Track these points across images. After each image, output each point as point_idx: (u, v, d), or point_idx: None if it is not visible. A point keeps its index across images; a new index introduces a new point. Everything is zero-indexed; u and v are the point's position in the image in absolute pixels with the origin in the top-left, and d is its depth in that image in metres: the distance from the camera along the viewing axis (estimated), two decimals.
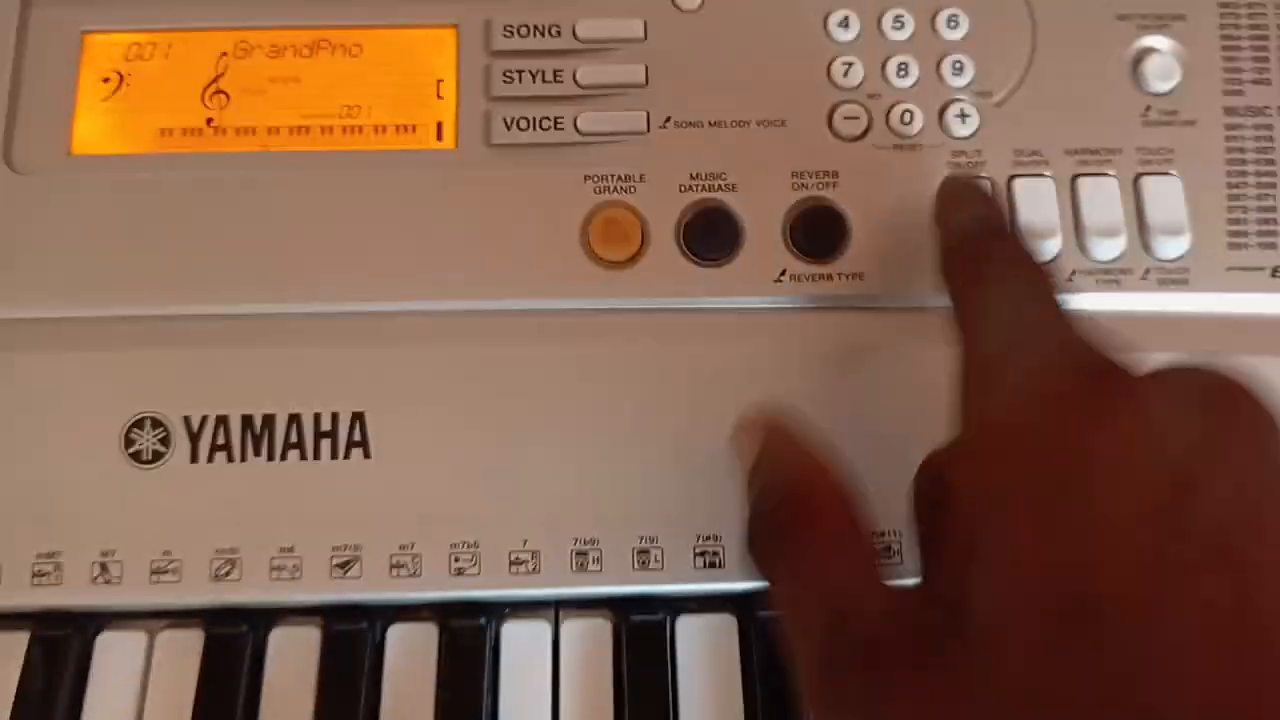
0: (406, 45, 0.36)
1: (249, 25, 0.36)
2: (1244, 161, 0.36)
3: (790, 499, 0.27)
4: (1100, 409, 0.23)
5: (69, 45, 0.36)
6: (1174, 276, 0.35)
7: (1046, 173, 0.35)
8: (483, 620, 0.33)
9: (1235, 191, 0.36)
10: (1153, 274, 0.35)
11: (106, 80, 0.35)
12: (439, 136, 0.35)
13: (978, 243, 0.29)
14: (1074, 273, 0.35)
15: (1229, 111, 0.36)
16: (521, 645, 0.33)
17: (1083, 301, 0.34)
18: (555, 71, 0.35)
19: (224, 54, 0.36)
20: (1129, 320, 0.35)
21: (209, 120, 0.35)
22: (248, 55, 0.36)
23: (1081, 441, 0.23)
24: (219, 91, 0.35)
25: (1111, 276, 0.35)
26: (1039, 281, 0.27)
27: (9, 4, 0.36)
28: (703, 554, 0.33)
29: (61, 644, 0.32)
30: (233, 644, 0.33)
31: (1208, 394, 0.23)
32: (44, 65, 0.35)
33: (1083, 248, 0.35)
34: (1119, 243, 0.35)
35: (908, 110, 0.35)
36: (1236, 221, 0.35)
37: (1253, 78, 0.36)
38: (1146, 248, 0.35)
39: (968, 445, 0.26)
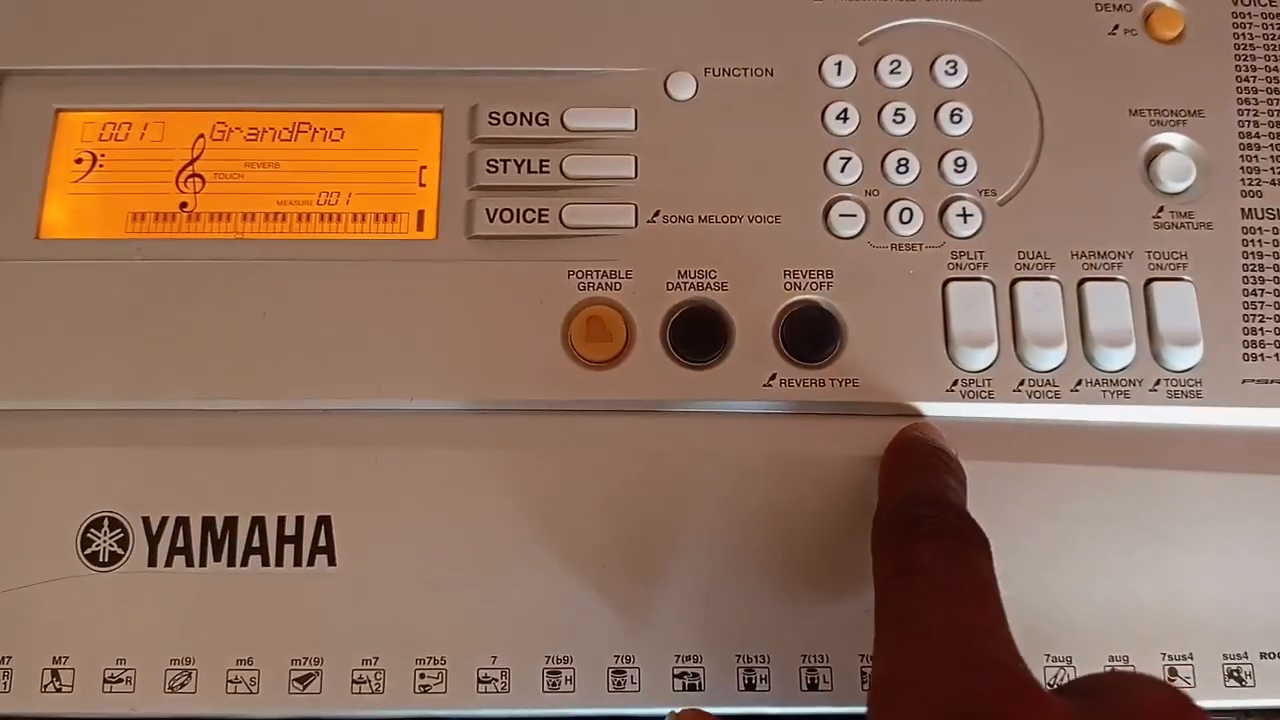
0: (390, 130, 0.35)
1: (228, 106, 0.35)
2: (1261, 268, 0.34)
3: None
4: None
5: (42, 123, 0.35)
6: (1186, 389, 0.33)
7: (1052, 276, 0.34)
8: None
9: (1251, 299, 0.34)
10: (1163, 385, 0.33)
11: (79, 161, 0.34)
12: (420, 226, 0.34)
13: (905, 526, 0.27)
14: (1080, 383, 0.33)
15: (1246, 214, 0.35)
16: None
17: (1089, 414, 0.33)
18: (541, 161, 0.34)
19: (201, 135, 0.35)
20: (1138, 434, 0.33)
21: (183, 205, 0.34)
22: (225, 137, 0.35)
23: None
24: (195, 175, 0.34)
25: (1120, 388, 0.33)
26: (959, 584, 0.25)
27: None
28: (681, 675, 0.31)
29: None
30: None
31: None
32: (15, 143, 0.34)
33: (1089, 357, 0.33)
34: (1128, 352, 0.33)
35: (907, 208, 0.34)
36: (1252, 331, 0.34)
37: (1271, 178, 0.35)
38: (1157, 357, 0.33)
39: None
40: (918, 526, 0.27)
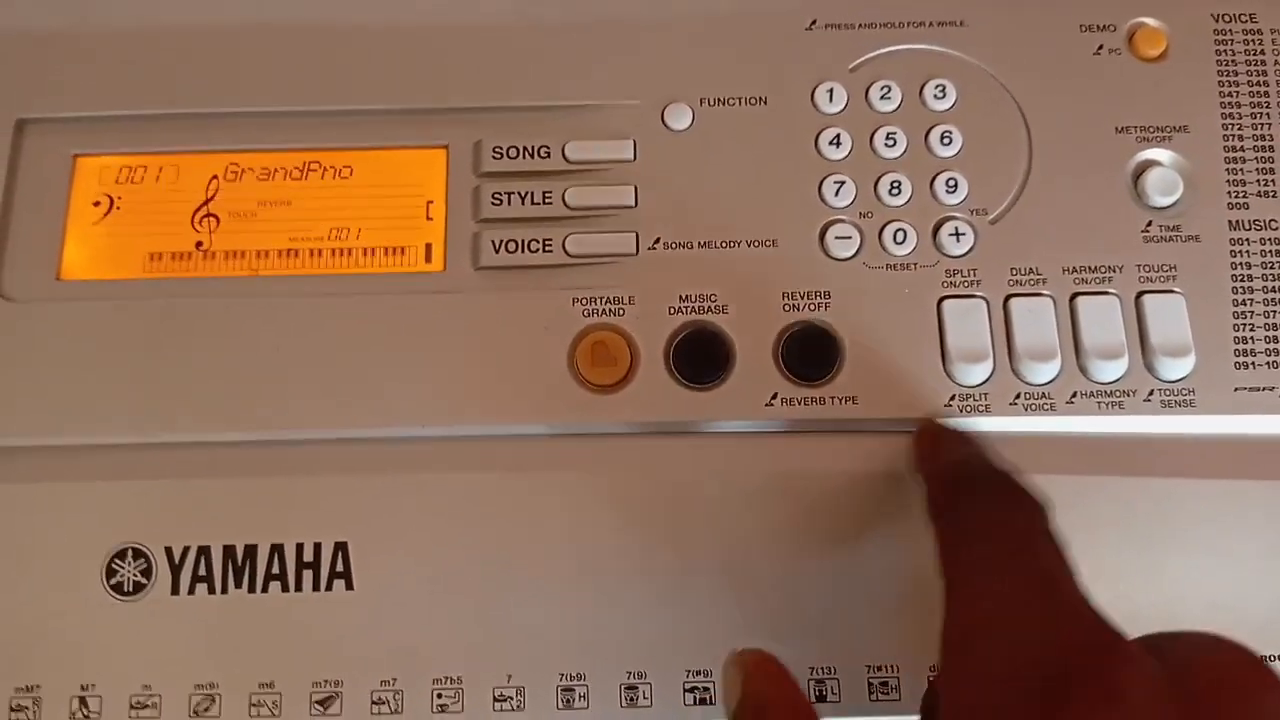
0: (397, 166, 0.36)
1: (240, 148, 0.36)
2: (1250, 278, 0.35)
3: None
4: (1086, 701, 0.21)
5: (60, 168, 0.36)
6: (1179, 398, 0.34)
7: (1044, 292, 0.34)
8: None
9: (1240, 309, 0.35)
10: (1156, 395, 0.34)
11: (97, 204, 0.36)
12: (428, 258, 0.35)
13: (960, 493, 0.28)
14: (1075, 395, 0.34)
15: (1234, 226, 0.35)
16: None
17: (1084, 425, 0.34)
18: (544, 193, 0.35)
19: (215, 177, 0.36)
20: (1133, 444, 0.34)
21: (198, 244, 0.35)
22: (238, 178, 0.36)
23: None
24: (209, 215, 0.35)
25: (1114, 399, 0.34)
26: (1028, 538, 0.26)
27: (3, 126, 0.36)
28: (693, 690, 0.32)
29: None
30: None
31: (1220, 684, 0.21)
32: (35, 189, 0.36)
33: (1083, 369, 0.34)
34: (1121, 364, 0.34)
35: (901, 229, 0.35)
36: (1242, 340, 0.34)
37: (1257, 190, 0.36)
38: (1150, 368, 0.34)
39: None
40: (976, 490, 0.27)
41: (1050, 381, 0.34)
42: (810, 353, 0.34)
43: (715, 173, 0.35)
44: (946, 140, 0.36)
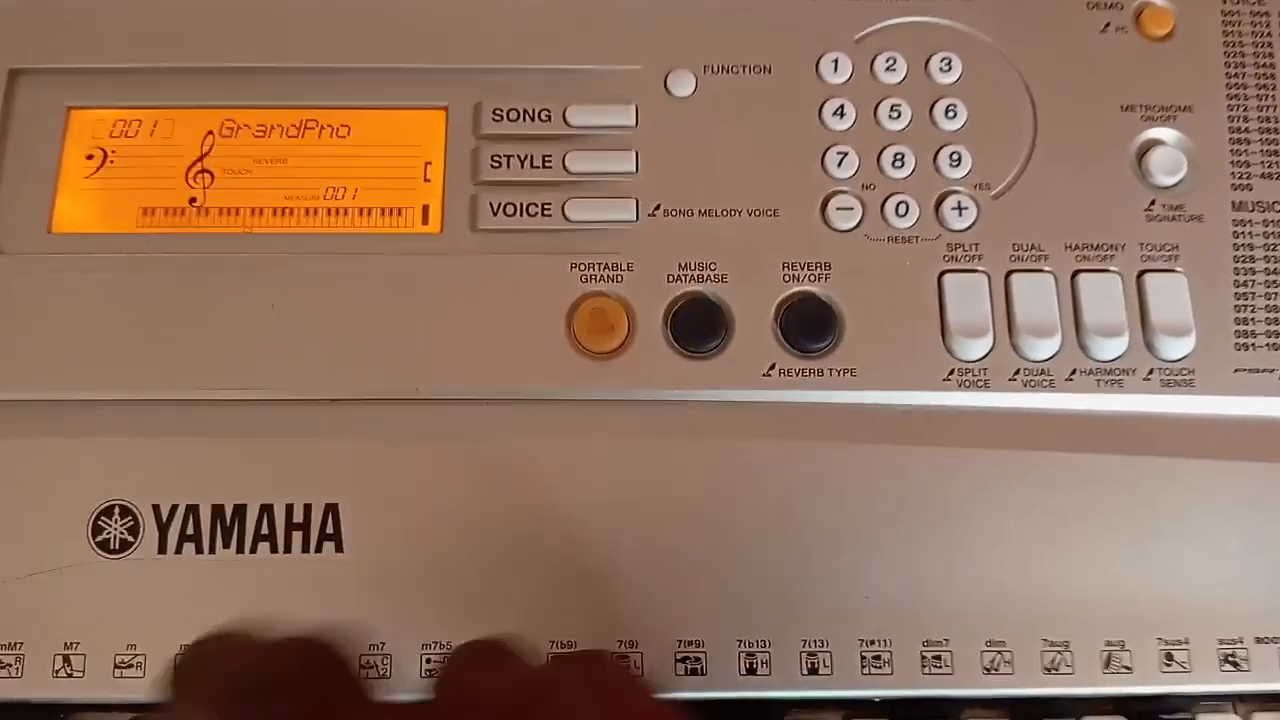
0: (395, 127, 0.35)
1: (236, 104, 0.35)
2: (1252, 259, 0.35)
3: None
4: None
5: (54, 120, 0.35)
6: (1178, 378, 0.34)
7: (1046, 268, 0.34)
8: None
9: (1242, 290, 0.34)
10: (1156, 375, 0.34)
11: (90, 157, 0.35)
12: (425, 220, 0.35)
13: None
14: (1074, 372, 0.34)
15: (1237, 207, 0.35)
16: None
17: (1083, 402, 0.34)
18: (544, 157, 0.35)
19: (210, 133, 0.35)
20: (1131, 422, 0.34)
21: (192, 200, 0.35)
22: (234, 134, 0.35)
23: None
24: (204, 170, 0.35)
25: (1113, 377, 0.34)
26: None
27: None
28: (684, 659, 0.32)
29: None
30: None
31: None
32: (28, 140, 0.35)
33: (1083, 346, 0.34)
34: (1121, 342, 0.34)
35: (903, 201, 0.35)
36: (1243, 321, 0.34)
37: (1261, 171, 0.35)
38: (1150, 347, 0.34)
39: None
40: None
41: (1050, 358, 0.34)
42: (809, 324, 0.34)
43: (717, 141, 0.35)
44: (951, 114, 0.35)
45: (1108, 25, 0.36)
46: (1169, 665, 0.32)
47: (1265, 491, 0.33)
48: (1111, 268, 0.34)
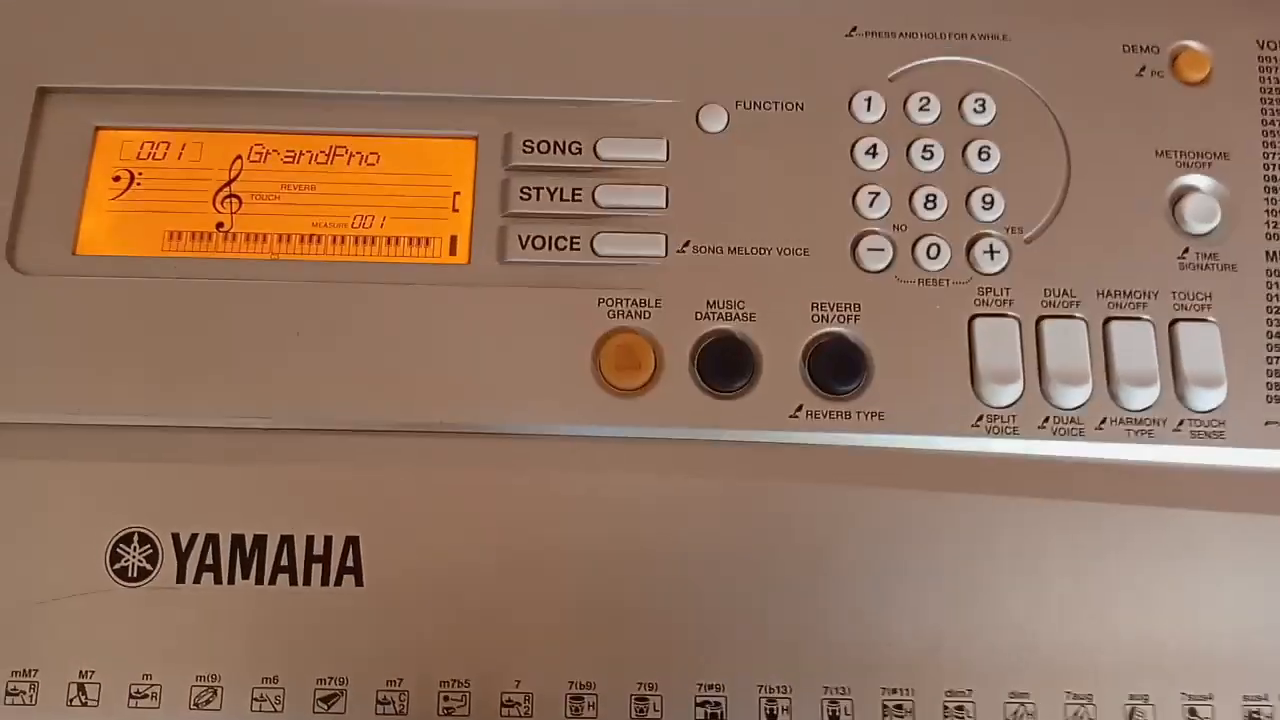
0: (425, 155, 0.35)
1: (266, 129, 0.35)
2: None
3: None
4: None
5: (81, 140, 0.35)
6: (1209, 429, 0.33)
7: (1078, 314, 0.34)
8: None
9: (1275, 341, 0.34)
10: (1186, 425, 0.33)
11: (117, 178, 0.35)
12: (452, 251, 0.34)
13: None
14: (1104, 421, 0.33)
15: (1271, 256, 0.35)
16: None
17: (1113, 452, 0.33)
18: (574, 190, 0.35)
19: (239, 157, 0.35)
20: (1161, 473, 0.33)
21: (219, 225, 0.35)
22: (263, 159, 0.35)
23: None
24: (231, 195, 0.35)
25: (1143, 427, 0.33)
26: None
27: (25, 95, 0.35)
28: (704, 704, 0.31)
29: None
30: None
31: None
32: (55, 160, 0.35)
33: (1114, 395, 0.33)
34: (1152, 392, 0.33)
35: (935, 244, 0.34)
36: (1276, 374, 0.34)
37: None
38: (1181, 398, 0.34)
39: None
40: None
41: (1080, 406, 0.33)
42: (838, 365, 0.33)
43: (748, 177, 0.35)
44: (984, 155, 0.35)
45: (1144, 69, 0.36)
46: None
47: None
48: (1144, 316, 0.34)
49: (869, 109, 0.35)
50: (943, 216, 0.35)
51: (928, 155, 0.35)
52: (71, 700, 0.31)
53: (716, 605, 0.32)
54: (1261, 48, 0.36)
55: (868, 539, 0.32)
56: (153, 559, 0.32)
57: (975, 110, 0.36)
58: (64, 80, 0.35)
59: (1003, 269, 0.34)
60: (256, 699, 0.31)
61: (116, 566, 0.32)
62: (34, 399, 0.33)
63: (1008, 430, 0.33)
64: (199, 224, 0.35)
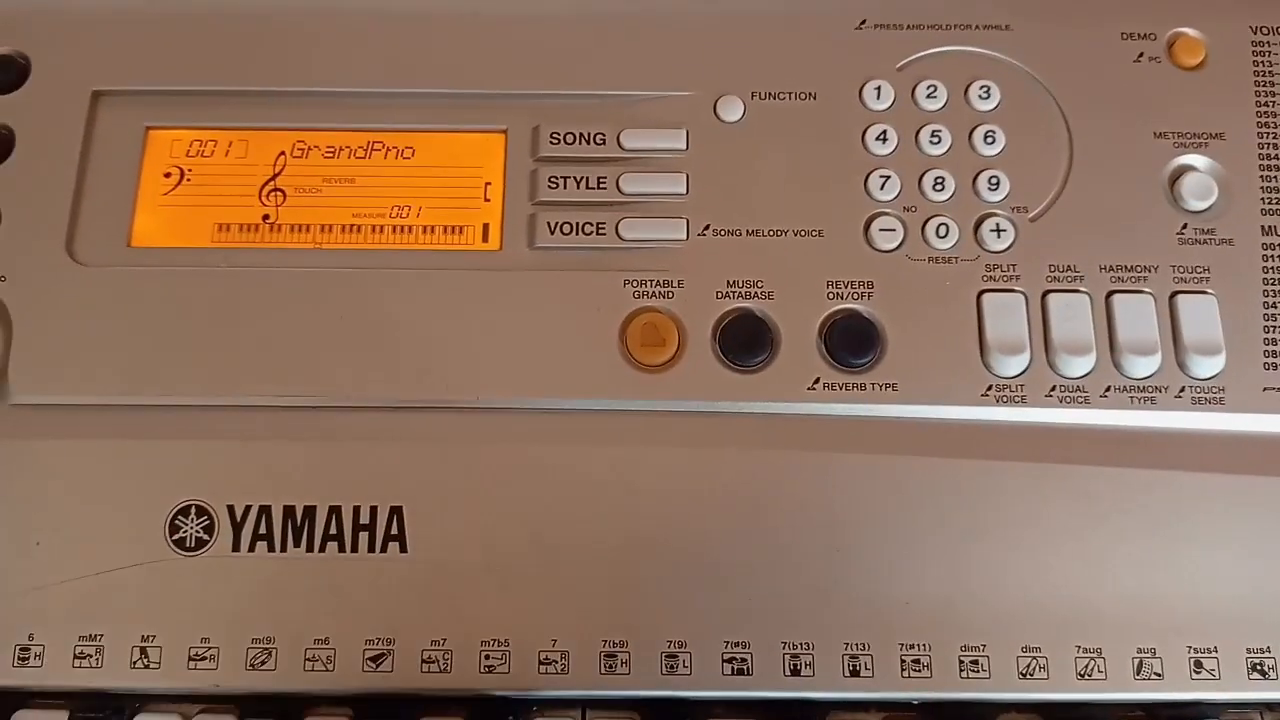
0: (457, 149, 0.37)
1: (307, 126, 0.37)
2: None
3: None
4: None
5: (133, 140, 0.37)
6: (1209, 395, 0.35)
7: (1081, 289, 0.36)
8: (510, 718, 0.33)
9: (1271, 311, 0.36)
10: (1187, 393, 0.35)
11: (168, 175, 0.37)
12: (485, 238, 0.36)
13: None
14: (1108, 389, 0.35)
15: (1267, 231, 0.36)
16: None
17: (1117, 418, 0.35)
18: (599, 178, 0.36)
19: (282, 153, 0.37)
20: (1163, 439, 0.35)
21: (265, 217, 0.36)
22: (305, 155, 0.37)
23: None
24: (276, 189, 0.37)
25: (1146, 394, 0.35)
26: None
27: (80, 98, 0.37)
28: (730, 660, 0.33)
29: None
30: None
31: None
32: (109, 159, 0.37)
33: (1117, 364, 0.35)
34: (1154, 360, 0.35)
35: (943, 224, 0.36)
36: (1272, 341, 0.35)
37: None
38: (1181, 366, 0.35)
39: None
40: None
41: (1085, 375, 0.35)
42: (853, 340, 0.35)
43: (764, 163, 0.36)
44: (990, 139, 0.37)
45: (1141, 55, 0.38)
46: (1198, 672, 0.33)
47: None
48: (1145, 289, 0.36)
49: (879, 97, 0.37)
50: (951, 198, 0.36)
51: (935, 140, 0.37)
52: (135, 663, 0.33)
53: (741, 567, 0.34)
54: (1255, 33, 0.38)
55: (883, 504, 0.34)
56: (209, 530, 0.34)
57: (980, 97, 0.37)
58: (116, 83, 0.37)
59: (1009, 246, 0.36)
60: (309, 659, 0.33)
61: (175, 538, 0.34)
62: (94, 382, 0.35)
63: (1016, 399, 0.35)
64: (246, 216, 0.36)
